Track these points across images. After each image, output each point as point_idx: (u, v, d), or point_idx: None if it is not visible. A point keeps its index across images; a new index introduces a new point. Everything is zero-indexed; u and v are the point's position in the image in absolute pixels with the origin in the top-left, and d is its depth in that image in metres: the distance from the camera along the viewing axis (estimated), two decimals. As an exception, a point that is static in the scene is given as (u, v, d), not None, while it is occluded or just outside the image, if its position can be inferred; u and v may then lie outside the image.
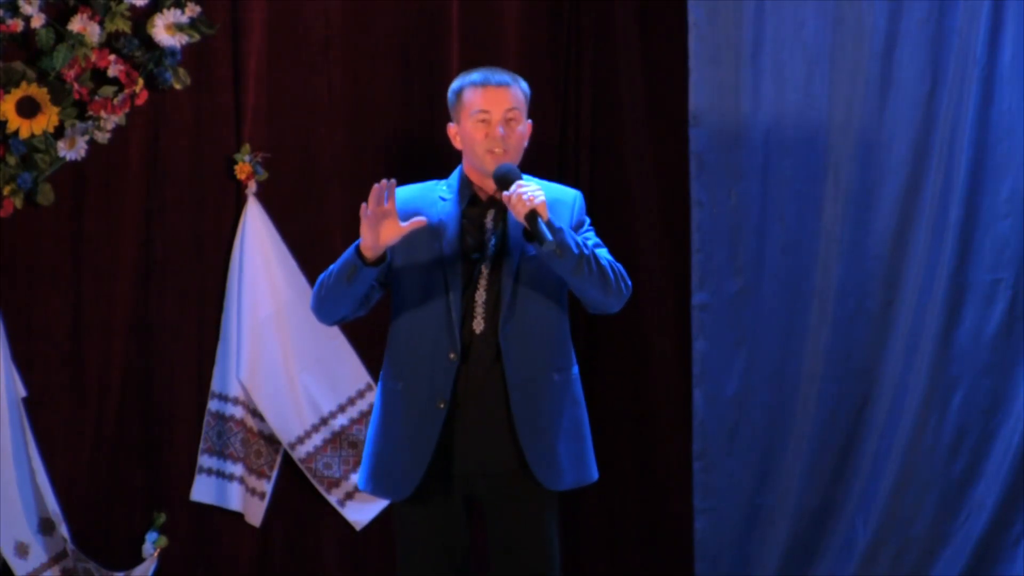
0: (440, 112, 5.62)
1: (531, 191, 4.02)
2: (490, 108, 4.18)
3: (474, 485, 4.18)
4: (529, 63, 5.68)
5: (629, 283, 4.16)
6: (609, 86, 5.82)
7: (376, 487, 4.23)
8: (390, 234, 4.07)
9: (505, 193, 4.06)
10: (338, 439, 5.51)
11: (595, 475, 4.25)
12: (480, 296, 4.14)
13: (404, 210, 4.17)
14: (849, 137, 5.61)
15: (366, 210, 4.03)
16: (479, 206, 4.22)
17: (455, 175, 4.30)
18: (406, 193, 4.27)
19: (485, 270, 4.15)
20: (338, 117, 5.56)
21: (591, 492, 5.75)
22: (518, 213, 4.02)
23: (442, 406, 4.10)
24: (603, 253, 4.16)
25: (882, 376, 5.61)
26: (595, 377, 5.74)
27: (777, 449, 5.67)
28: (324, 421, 5.51)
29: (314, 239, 5.54)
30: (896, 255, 5.61)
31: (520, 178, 4.09)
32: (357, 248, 4.10)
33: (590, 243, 4.16)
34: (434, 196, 4.25)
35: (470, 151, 4.22)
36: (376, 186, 4.04)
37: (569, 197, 4.26)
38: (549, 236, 3.95)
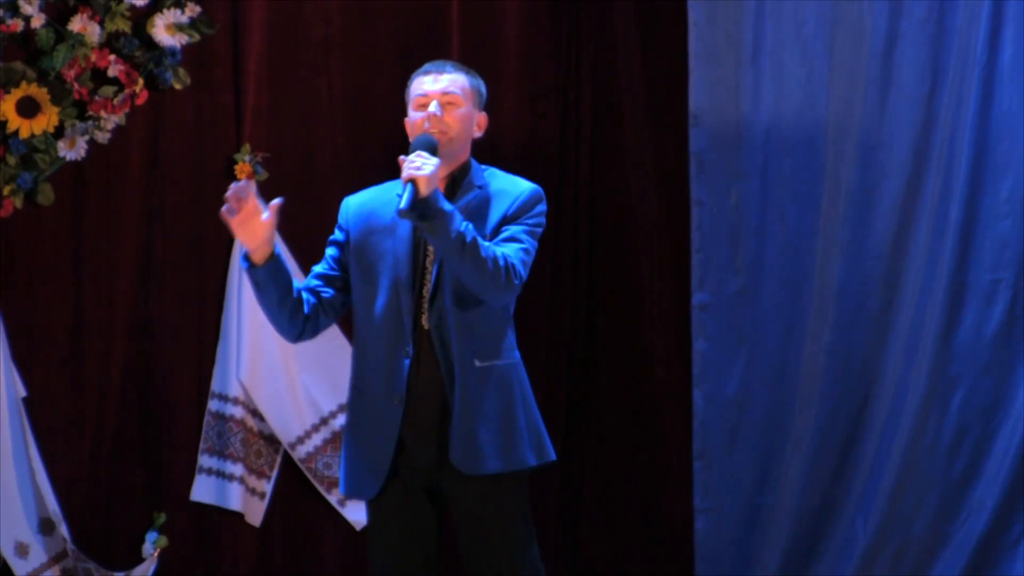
0: (440, 112, 5.63)
1: (419, 162, 4.03)
2: (428, 91, 4.22)
3: (433, 479, 4.18)
4: (529, 63, 5.68)
5: (515, 281, 4.10)
6: (609, 86, 5.82)
7: (349, 489, 4.25)
8: (262, 229, 4.13)
9: (400, 158, 4.08)
10: (338, 439, 5.51)
11: (530, 461, 4.20)
12: (428, 291, 4.16)
13: (360, 212, 4.26)
14: (849, 137, 5.61)
15: (229, 214, 4.07)
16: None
17: None
18: (361, 197, 4.33)
19: (430, 266, 4.17)
20: (338, 117, 5.56)
21: (591, 492, 5.78)
22: (403, 180, 4.04)
23: (397, 402, 4.12)
24: (505, 248, 4.12)
25: (882, 376, 5.61)
26: (595, 377, 5.75)
27: (777, 449, 5.67)
28: (324, 421, 5.51)
29: (314, 239, 5.53)
30: (896, 255, 5.60)
31: (430, 151, 4.08)
32: (244, 255, 4.15)
33: (503, 235, 4.15)
34: (390, 195, 4.26)
35: (412, 137, 4.23)
36: (232, 189, 4.08)
37: (517, 190, 4.22)
38: (404, 205, 3.97)
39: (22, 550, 5.25)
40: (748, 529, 5.68)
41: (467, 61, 5.62)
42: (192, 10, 5.30)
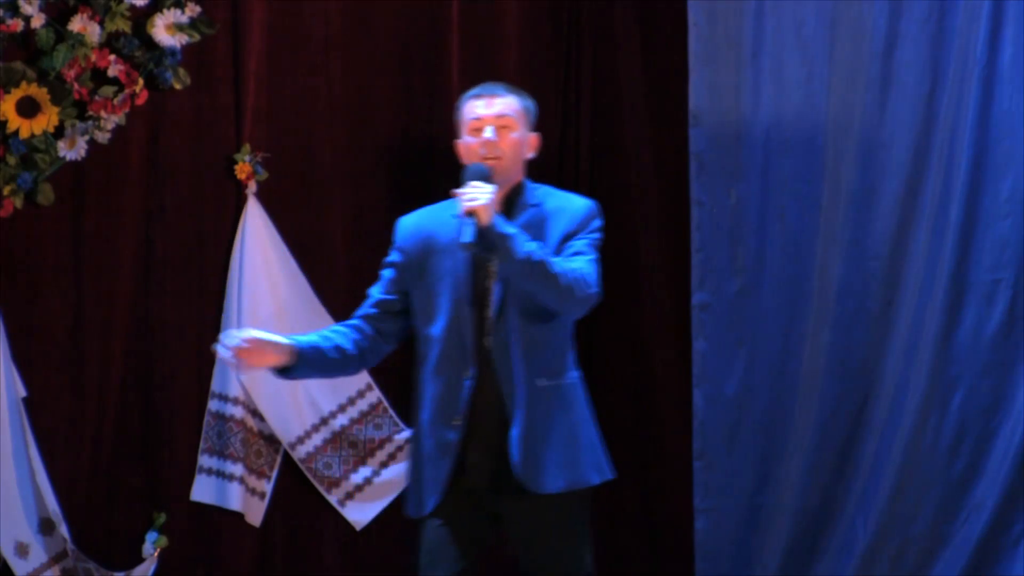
0: (440, 112, 5.64)
1: (474, 193, 4.05)
2: (481, 115, 4.24)
3: (491, 499, 4.20)
4: (529, 63, 5.69)
5: (590, 292, 4.15)
6: (609, 86, 5.82)
7: (407, 506, 4.27)
8: (271, 354, 4.14)
9: (453, 191, 4.11)
10: (338, 439, 5.52)
11: (593, 479, 4.24)
12: (489, 311, 4.18)
13: (415, 234, 4.28)
14: (849, 137, 5.61)
15: (236, 365, 4.12)
16: None
17: None
18: (416, 218, 4.34)
19: (491, 286, 4.19)
20: (338, 117, 5.56)
21: (591, 491, 5.76)
22: (461, 213, 4.07)
23: (457, 422, 4.15)
24: (574, 262, 4.15)
25: (882, 376, 5.61)
26: (595, 377, 5.74)
27: (777, 449, 5.67)
28: (324, 421, 5.51)
29: (314, 239, 5.54)
30: (896, 255, 5.60)
31: (483, 180, 4.11)
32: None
33: (569, 251, 4.18)
34: (446, 215, 4.27)
35: (466, 161, 4.26)
36: (229, 361, 4.10)
37: (574, 206, 4.28)
38: (466, 239, 4.00)
39: (22, 550, 5.25)
40: (748, 529, 5.68)
41: (467, 61, 5.65)
42: (192, 10, 5.30)
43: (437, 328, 4.20)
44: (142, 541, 5.38)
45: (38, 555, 5.27)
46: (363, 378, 5.53)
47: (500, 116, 4.24)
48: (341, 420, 5.52)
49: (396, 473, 5.55)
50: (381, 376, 5.54)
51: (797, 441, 5.65)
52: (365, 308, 4.31)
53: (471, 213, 4.03)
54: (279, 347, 4.14)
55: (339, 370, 4.30)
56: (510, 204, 4.22)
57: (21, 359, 5.28)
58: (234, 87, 5.44)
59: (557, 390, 4.21)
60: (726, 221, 5.66)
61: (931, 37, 5.56)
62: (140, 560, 5.38)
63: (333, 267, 5.54)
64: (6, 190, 5.20)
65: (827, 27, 5.61)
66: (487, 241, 4.03)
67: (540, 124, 4.38)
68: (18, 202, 5.22)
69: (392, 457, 5.56)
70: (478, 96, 4.28)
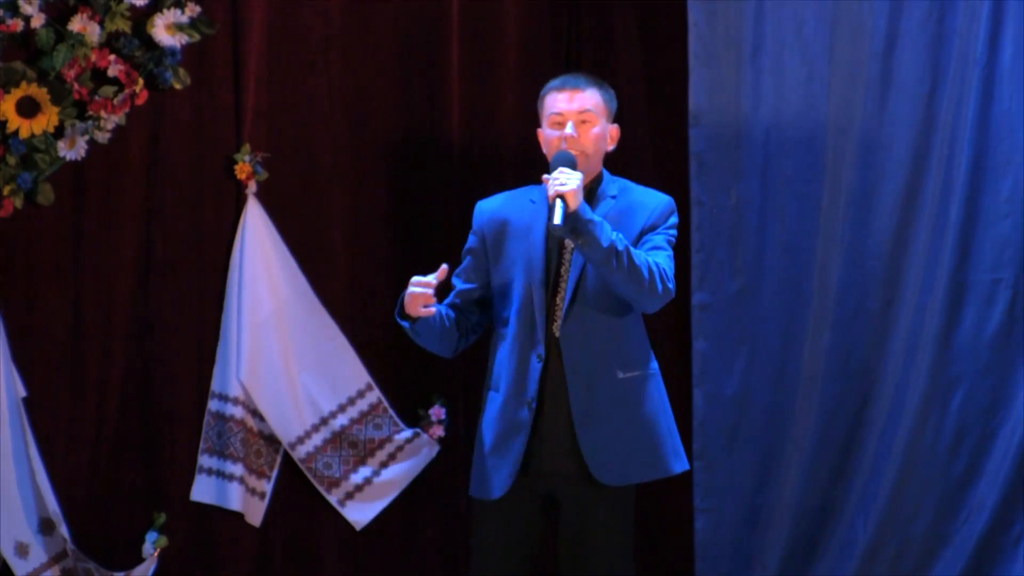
0: (440, 112, 5.64)
1: (563, 178, 4.12)
2: (563, 110, 4.32)
3: (552, 485, 4.27)
4: (529, 63, 5.68)
5: (670, 287, 4.23)
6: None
7: (474, 488, 4.33)
8: (428, 299, 4.21)
9: (544, 177, 4.18)
10: (338, 439, 5.51)
11: (674, 467, 4.34)
12: (561, 299, 4.22)
13: (494, 217, 4.37)
14: (849, 137, 5.61)
15: (418, 287, 4.18)
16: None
17: None
18: (494, 202, 4.43)
19: (565, 274, 4.24)
20: (338, 117, 5.56)
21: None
22: (549, 196, 4.12)
23: (529, 405, 4.21)
24: (654, 256, 4.22)
25: (882, 376, 5.61)
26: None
27: (777, 449, 5.67)
28: (324, 421, 5.51)
29: (314, 239, 5.54)
30: (896, 255, 5.60)
31: (570, 167, 4.19)
32: (400, 310, 4.25)
33: (648, 245, 4.25)
34: (524, 200, 4.37)
35: (547, 152, 4.35)
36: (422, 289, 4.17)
37: (653, 201, 4.37)
38: (557, 221, 4.05)
39: (22, 550, 5.25)
40: (748, 529, 5.68)
41: (467, 61, 5.64)
42: (192, 10, 5.30)
43: (511, 310, 4.27)
44: (142, 541, 5.38)
45: (38, 555, 5.28)
46: (363, 378, 5.53)
47: (582, 111, 4.32)
48: (341, 420, 5.52)
49: (396, 473, 5.55)
50: (381, 376, 5.54)
51: (797, 441, 5.64)
52: (450, 299, 4.40)
53: (560, 197, 4.08)
54: (431, 297, 4.20)
55: (445, 342, 4.34)
56: (590, 195, 4.29)
57: (21, 359, 5.28)
58: (234, 87, 5.44)
59: (637, 381, 4.26)
60: (726, 221, 5.66)
61: (931, 37, 5.56)
62: (140, 560, 5.38)
63: (333, 267, 5.54)
64: (6, 190, 5.20)
65: (827, 27, 5.61)
66: (573, 225, 4.08)
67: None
68: (18, 202, 5.22)
69: (392, 457, 5.56)
70: (560, 88, 4.36)
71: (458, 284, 4.42)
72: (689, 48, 5.64)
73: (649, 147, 5.82)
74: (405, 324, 4.27)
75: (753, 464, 5.68)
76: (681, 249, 5.71)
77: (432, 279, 4.18)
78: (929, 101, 5.57)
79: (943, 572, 5.52)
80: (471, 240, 4.43)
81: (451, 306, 4.39)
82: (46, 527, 5.29)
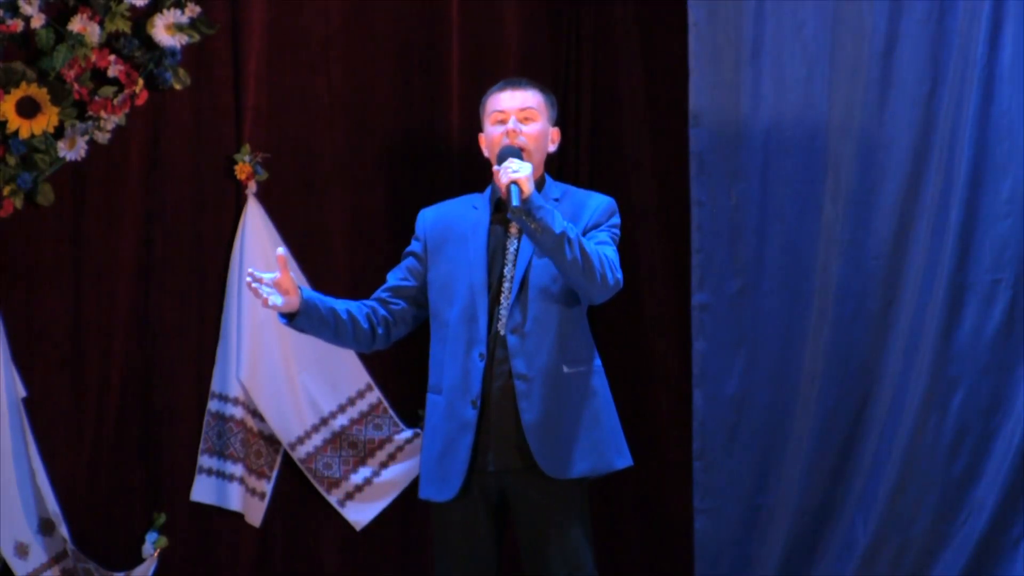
0: (440, 112, 5.64)
1: (515, 165, 4.17)
2: (505, 107, 4.38)
3: (505, 482, 4.29)
4: (529, 63, 5.68)
5: (619, 276, 4.29)
6: (609, 86, 5.81)
7: (424, 490, 4.36)
8: (282, 286, 4.22)
9: (494, 168, 4.23)
10: (338, 439, 5.52)
11: (616, 463, 4.37)
12: (505, 297, 4.27)
13: (436, 222, 4.42)
14: (849, 137, 5.61)
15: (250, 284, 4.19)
16: (506, 212, 4.34)
17: (489, 186, 4.47)
18: (438, 209, 4.49)
19: (508, 273, 4.26)
20: (338, 117, 5.57)
21: (591, 491, 5.76)
22: (501, 185, 4.18)
23: (472, 406, 4.24)
24: (602, 249, 4.26)
25: (882, 376, 5.61)
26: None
27: (777, 449, 5.66)
28: (324, 421, 5.51)
29: (314, 239, 5.54)
30: (896, 255, 5.60)
31: (518, 158, 4.25)
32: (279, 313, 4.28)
33: (593, 241, 4.28)
34: (467, 207, 4.43)
35: (490, 152, 4.40)
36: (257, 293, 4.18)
37: (594, 201, 4.42)
38: (515, 202, 4.10)
39: (22, 550, 5.25)
40: (748, 529, 5.68)
41: (467, 61, 5.65)
42: (192, 10, 5.30)
43: (451, 312, 4.30)
44: (142, 541, 5.38)
45: (38, 555, 5.28)
46: (363, 378, 5.53)
47: (523, 108, 4.37)
48: (341, 420, 5.52)
49: (396, 473, 5.55)
50: (381, 376, 5.54)
51: (797, 441, 5.64)
52: (380, 291, 4.44)
53: (514, 183, 4.14)
54: (285, 283, 4.20)
55: (350, 338, 4.36)
56: None
57: (21, 359, 5.28)
58: (234, 87, 5.44)
59: (581, 376, 4.29)
60: (726, 221, 5.66)
61: (931, 37, 5.56)
62: (140, 560, 5.38)
63: (333, 267, 5.55)
64: (6, 190, 5.20)
65: (827, 27, 5.61)
66: (528, 210, 4.13)
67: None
68: (18, 202, 5.22)
69: (392, 457, 5.56)
70: (501, 89, 4.42)
71: (392, 279, 4.46)
72: (689, 48, 5.64)
73: (649, 147, 5.82)
74: (283, 320, 4.29)
75: (753, 464, 5.68)
76: (681, 249, 5.74)
77: (264, 276, 4.19)
78: (929, 101, 5.57)
79: (943, 572, 5.52)
80: (412, 244, 4.49)
81: (378, 299, 4.43)
82: (46, 527, 5.29)
